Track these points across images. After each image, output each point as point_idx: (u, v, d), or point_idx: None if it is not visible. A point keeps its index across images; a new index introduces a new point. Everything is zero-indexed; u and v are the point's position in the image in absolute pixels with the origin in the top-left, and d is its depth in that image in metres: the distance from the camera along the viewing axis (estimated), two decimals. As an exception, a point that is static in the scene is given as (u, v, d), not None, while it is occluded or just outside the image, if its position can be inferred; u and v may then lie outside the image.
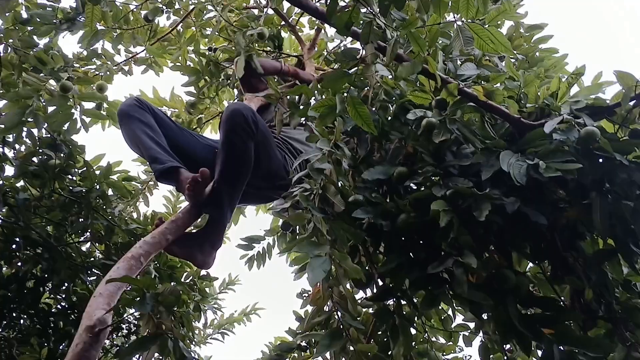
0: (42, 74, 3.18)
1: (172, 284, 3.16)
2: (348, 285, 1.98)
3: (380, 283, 2.04)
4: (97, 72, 4.06)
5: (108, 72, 4.05)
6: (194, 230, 2.42)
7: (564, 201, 1.90)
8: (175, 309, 3.73)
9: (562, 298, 1.96)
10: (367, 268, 2.08)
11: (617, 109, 1.94)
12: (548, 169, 1.69)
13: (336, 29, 1.99)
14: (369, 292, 2.16)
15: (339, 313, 1.92)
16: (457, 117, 2.01)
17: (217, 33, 4.16)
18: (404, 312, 1.95)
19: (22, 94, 3.03)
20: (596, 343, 1.60)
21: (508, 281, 1.73)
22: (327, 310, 2.08)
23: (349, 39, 3.85)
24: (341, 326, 1.92)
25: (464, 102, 2.07)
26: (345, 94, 1.98)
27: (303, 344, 3.18)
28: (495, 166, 1.82)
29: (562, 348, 1.64)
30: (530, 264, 2.13)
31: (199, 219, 2.46)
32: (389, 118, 2.30)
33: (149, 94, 4.17)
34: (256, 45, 3.96)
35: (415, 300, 1.94)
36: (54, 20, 3.41)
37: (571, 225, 1.88)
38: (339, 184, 1.98)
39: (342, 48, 4.19)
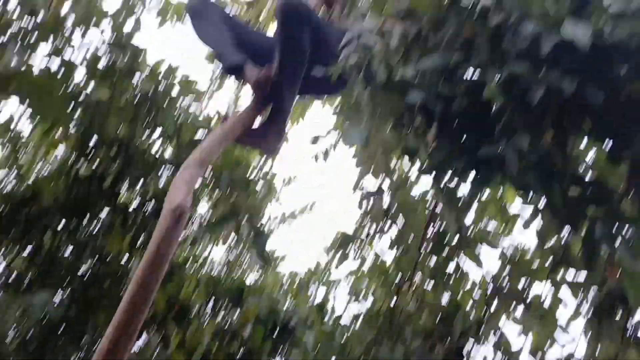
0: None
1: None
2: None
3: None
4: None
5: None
6: (259, 124, 2.55)
7: (627, 77, 1.87)
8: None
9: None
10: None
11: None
12: (619, 28, 1.64)
13: None
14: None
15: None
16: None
17: None
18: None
19: None
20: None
21: (555, 163, 1.77)
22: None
23: None
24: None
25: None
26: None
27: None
28: (556, 38, 1.78)
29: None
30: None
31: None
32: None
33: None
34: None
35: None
36: None
37: (634, 101, 1.86)
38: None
39: None
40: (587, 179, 1.86)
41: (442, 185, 1.98)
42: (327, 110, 4.88)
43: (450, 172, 1.94)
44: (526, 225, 2.81)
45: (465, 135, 1.90)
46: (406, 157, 2.16)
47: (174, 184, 1.99)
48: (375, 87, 1.91)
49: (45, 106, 3.26)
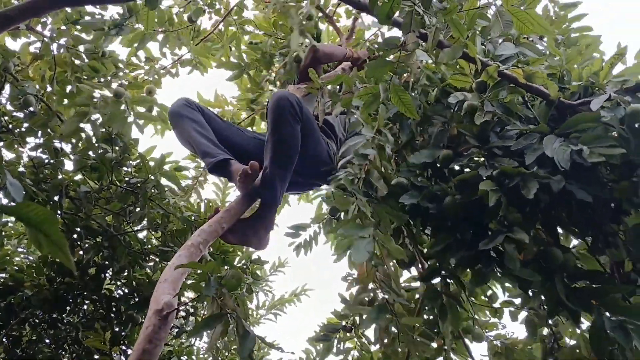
0: (95, 80, 3.35)
1: (227, 268, 3.30)
2: (392, 266, 2.05)
3: (427, 264, 2.11)
4: (146, 77, 4.25)
5: (156, 76, 4.24)
6: (247, 217, 2.54)
7: (609, 179, 1.92)
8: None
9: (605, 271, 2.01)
10: (410, 249, 2.15)
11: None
12: (592, 154, 1.73)
13: (377, 19, 2.04)
14: (412, 272, 2.25)
15: (384, 291, 2.00)
16: (499, 98, 2.05)
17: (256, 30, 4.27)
18: (451, 291, 2.02)
19: (78, 102, 3.21)
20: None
21: (556, 258, 1.78)
22: (371, 289, 2.17)
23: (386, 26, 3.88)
24: (387, 302, 2.00)
25: (503, 84, 2.10)
26: (388, 82, 2.05)
27: (348, 324, 3.32)
28: (539, 150, 1.86)
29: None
30: (575, 241, 2.18)
31: (250, 207, 2.59)
32: (431, 103, 2.36)
33: (194, 99, 4.33)
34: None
35: (462, 280, 2.01)
36: (103, 27, 3.53)
37: (616, 202, 1.92)
38: (382, 169, 2.05)
39: (380, 36, 4.22)
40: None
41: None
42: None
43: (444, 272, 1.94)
44: (513, 317, 2.80)
45: (460, 231, 1.91)
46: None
47: (160, 283, 1.95)
48: (376, 199, 1.94)
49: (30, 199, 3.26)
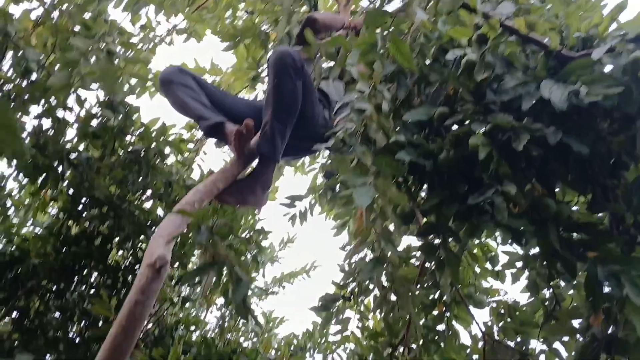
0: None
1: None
2: (391, 219, 2.01)
3: (424, 220, 2.08)
4: (140, 44, 4.21)
5: (152, 44, 4.20)
6: (244, 177, 2.53)
7: (607, 132, 1.88)
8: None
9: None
10: (409, 205, 2.13)
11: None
12: (589, 94, 1.68)
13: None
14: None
15: (381, 244, 1.98)
16: (499, 51, 2.01)
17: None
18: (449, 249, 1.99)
19: (69, 58, 3.17)
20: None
21: (549, 208, 1.75)
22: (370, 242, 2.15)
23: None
24: (384, 255, 1.99)
25: (505, 35, 2.05)
26: (386, 32, 2.01)
27: (346, 295, 3.32)
28: (536, 95, 1.82)
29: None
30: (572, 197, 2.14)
31: (247, 169, 2.57)
32: (428, 62, 2.31)
33: (191, 65, 4.30)
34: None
35: (459, 235, 1.98)
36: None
37: (614, 155, 1.87)
38: (380, 124, 2.01)
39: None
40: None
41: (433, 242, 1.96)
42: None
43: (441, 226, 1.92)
44: (515, 278, 2.78)
45: (455, 186, 1.88)
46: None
47: (153, 239, 1.96)
48: (375, 150, 1.91)
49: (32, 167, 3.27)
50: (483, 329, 2.68)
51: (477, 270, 3.35)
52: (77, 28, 3.47)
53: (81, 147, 3.71)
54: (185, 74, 2.67)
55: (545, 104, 1.81)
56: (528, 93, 1.86)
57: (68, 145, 3.55)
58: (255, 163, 2.59)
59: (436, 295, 3.20)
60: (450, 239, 1.96)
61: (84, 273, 4.08)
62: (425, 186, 2.12)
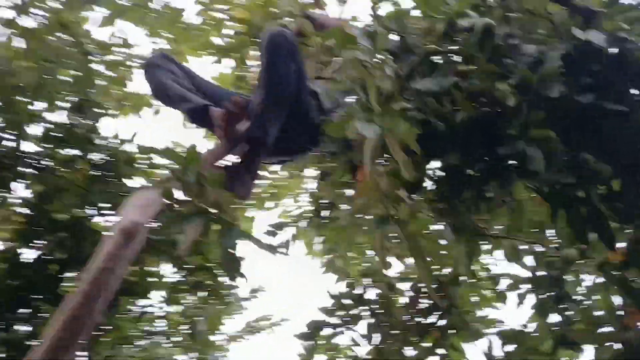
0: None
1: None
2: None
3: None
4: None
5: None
6: (231, 164, 2.31)
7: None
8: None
9: None
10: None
11: None
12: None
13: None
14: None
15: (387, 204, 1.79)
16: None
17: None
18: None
19: (41, 55, 3.00)
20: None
21: (588, 162, 1.56)
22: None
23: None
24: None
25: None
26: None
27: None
28: (560, 50, 1.67)
29: None
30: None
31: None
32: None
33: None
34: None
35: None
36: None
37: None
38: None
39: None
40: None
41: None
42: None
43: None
44: (521, 299, 2.60)
45: (475, 146, 1.68)
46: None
47: (125, 205, 1.69)
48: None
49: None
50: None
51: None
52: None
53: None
54: (170, 61, 2.58)
55: (570, 66, 1.66)
56: (554, 48, 1.70)
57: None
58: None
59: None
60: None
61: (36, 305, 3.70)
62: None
